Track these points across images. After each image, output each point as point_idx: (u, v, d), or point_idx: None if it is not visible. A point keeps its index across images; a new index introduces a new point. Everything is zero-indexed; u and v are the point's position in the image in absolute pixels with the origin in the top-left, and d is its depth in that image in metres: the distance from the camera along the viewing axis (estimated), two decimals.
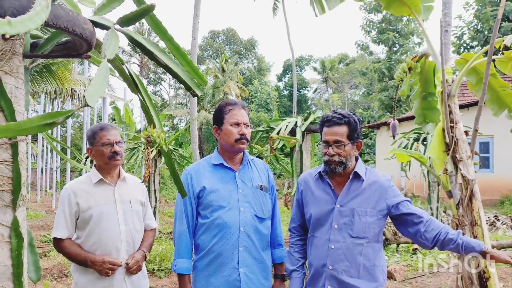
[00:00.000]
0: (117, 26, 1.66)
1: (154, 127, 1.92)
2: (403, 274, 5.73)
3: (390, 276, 5.59)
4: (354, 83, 40.01)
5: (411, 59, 2.87)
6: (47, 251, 7.17)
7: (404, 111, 22.20)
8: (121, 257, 2.47)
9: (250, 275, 2.34)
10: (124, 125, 9.32)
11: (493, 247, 5.39)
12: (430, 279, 5.71)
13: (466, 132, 2.66)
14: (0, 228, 1.52)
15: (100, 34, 1.70)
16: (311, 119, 5.53)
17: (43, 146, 17.15)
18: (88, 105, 1.27)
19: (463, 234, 2.51)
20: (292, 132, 5.48)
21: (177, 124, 36.23)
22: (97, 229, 2.44)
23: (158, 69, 40.15)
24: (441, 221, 9.72)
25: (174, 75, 1.85)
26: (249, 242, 2.35)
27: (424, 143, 8.03)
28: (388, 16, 23.95)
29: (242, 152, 2.48)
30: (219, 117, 2.44)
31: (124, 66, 1.86)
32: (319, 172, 2.34)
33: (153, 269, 5.95)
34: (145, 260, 2.58)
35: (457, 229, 2.61)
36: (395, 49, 24.88)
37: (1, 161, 1.51)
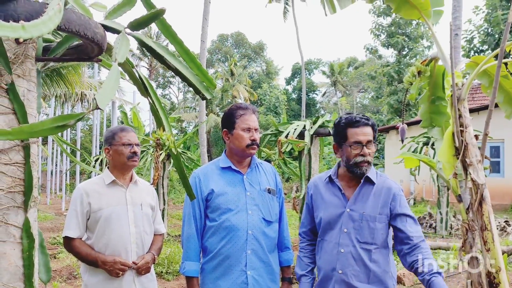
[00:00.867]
0: (128, 30, 1.68)
1: (164, 130, 1.94)
2: (412, 279, 5.69)
3: (399, 281, 5.55)
4: (363, 86, 39.90)
5: (421, 63, 2.86)
6: (56, 253, 7.23)
7: (414, 115, 22.09)
8: (131, 259, 2.48)
9: (258, 278, 2.34)
10: (133, 128, 9.37)
11: (503, 252, 5.33)
12: None
13: (476, 136, 2.64)
14: (12, 229, 1.54)
15: (111, 38, 1.72)
16: (319, 122, 5.53)
17: (53, 148, 17.32)
18: (99, 108, 1.29)
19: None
20: (301, 136, 5.48)
21: (185, 127, 36.36)
22: (108, 230, 2.46)
23: (167, 73, 40.39)
24: (451, 226, 9.64)
25: (184, 79, 1.86)
26: (256, 245, 2.35)
27: (434, 147, 7.98)
28: (397, 19, 23.87)
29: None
30: (230, 121, 2.43)
31: (134, 70, 1.88)
32: (329, 176, 2.34)
33: (161, 272, 5.96)
34: (153, 263, 2.60)
35: (467, 234, 2.59)
36: (404, 52, 24.79)
37: (14, 163, 1.54)
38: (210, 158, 24.33)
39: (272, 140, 6.26)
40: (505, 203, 14.38)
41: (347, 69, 42.20)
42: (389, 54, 28.97)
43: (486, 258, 2.44)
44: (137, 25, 1.69)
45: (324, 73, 42.50)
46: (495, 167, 15.05)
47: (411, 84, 2.91)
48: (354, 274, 2.16)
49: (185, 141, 8.20)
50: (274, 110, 31.81)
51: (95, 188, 2.54)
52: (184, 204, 2.50)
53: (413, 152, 8.08)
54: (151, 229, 2.66)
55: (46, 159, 18.50)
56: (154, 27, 31.22)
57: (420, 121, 3.06)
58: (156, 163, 2.76)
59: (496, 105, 2.71)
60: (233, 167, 2.44)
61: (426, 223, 10.46)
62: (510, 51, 2.56)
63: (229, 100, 31.99)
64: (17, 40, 1.54)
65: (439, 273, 2.01)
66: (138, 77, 1.87)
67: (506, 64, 2.60)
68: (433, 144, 7.97)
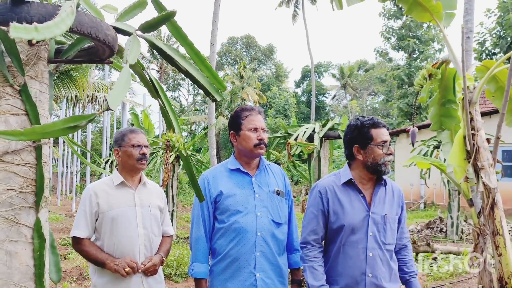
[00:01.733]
0: (139, 32, 1.69)
1: (174, 131, 1.95)
2: (422, 284, 5.64)
3: None
4: (373, 89, 39.74)
5: (432, 66, 2.84)
6: (66, 253, 7.28)
7: (424, 118, 21.92)
8: (139, 261, 2.49)
9: (267, 280, 2.34)
10: (143, 130, 9.44)
11: None
12: None
13: (488, 140, 2.61)
14: (23, 229, 1.55)
15: (122, 40, 1.73)
16: (329, 125, 5.51)
17: (63, 150, 17.48)
18: (110, 109, 1.30)
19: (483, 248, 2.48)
20: (310, 138, 5.47)
21: (195, 130, 36.49)
22: (116, 231, 2.47)
23: (177, 75, 40.60)
24: (462, 230, 9.54)
25: (194, 80, 1.87)
26: (265, 247, 2.35)
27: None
28: (408, 22, 23.72)
29: (259, 157, 2.49)
30: (236, 123, 2.45)
31: (144, 71, 1.89)
32: (349, 179, 2.29)
33: (170, 274, 5.98)
34: (162, 264, 2.60)
35: (478, 239, 2.57)
36: (415, 55, 24.63)
37: (26, 163, 1.55)
38: (219, 160, 24.39)
39: (281, 142, 6.25)
40: None
41: (357, 72, 42.05)
42: (400, 57, 28.84)
43: (497, 263, 2.41)
44: (148, 27, 1.70)
45: (334, 76, 42.41)
46: (507, 171, 14.87)
47: (422, 87, 2.89)
48: (382, 276, 2.22)
49: (194, 143, 8.24)
50: (283, 113, 31.80)
51: (104, 189, 2.55)
52: (193, 206, 2.51)
53: (424, 155, 8.02)
54: (159, 230, 2.66)
55: (57, 160, 18.69)
56: (164, 30, 31.47)
57: (430, 124, 3.03)
58: (166, 165, 2.78)
59: None
60: (242, 169, 2.44)
61: (437, 227, 10.36)
62: None
63: (238, 103, 32.07)
64: (30, 42, 1.56)
65: (416, 274, 2.37)
66: (148, 79, 1.88)
67: None
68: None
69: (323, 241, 2.38)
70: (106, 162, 9.93)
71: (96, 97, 12.98)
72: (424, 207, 16.70)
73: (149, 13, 1.80)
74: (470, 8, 3.04)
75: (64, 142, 15.44)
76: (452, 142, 2.77)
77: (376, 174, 2.26)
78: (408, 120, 23.71)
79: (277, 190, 2.46)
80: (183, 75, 1.97)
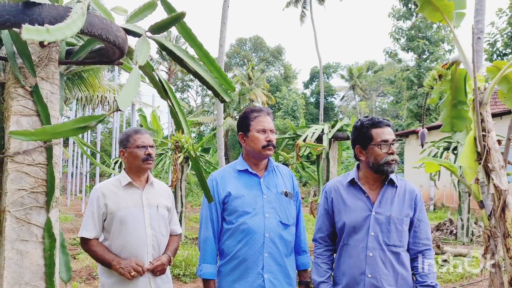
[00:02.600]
0: (149, 34, 1.70)
1: (183, 132, 1.95)
2: None
3: None
4: (382, 91, 39.54)
5: (442, 66, 2.82)
6: (76, 253, 7.33)
7: (434, 120, 21.77)
8: (147, 261, 2.49)
9: (275, 281, 2.33)
10: (151, 131, 9.49)
11: None
12: None
13: (499, 141, 2.59)
14: (34, 228, 1.57)
15: (132, 41, 1.74)
16: (338, 126, 5.49)
17: (73, 151, 17.63)
18: (120, 110, 1.31)
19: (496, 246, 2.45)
20: (319, 140, 5.45)
21: (203, 131, 36.59)
22: (124, 232, 2.48)
23: (186, 77, 40.73)
24: (472, 232, 9.45)
25: (203, 81, 1.87)
26: (273, 248, 2.35)
27: (455, 152, 7.84)
28: (417, 23, 23.57)
29: (267, 158, 2.49)
30: (244, 124, 2.45)
31: (154, 73, 1.90)
32: (352, 179, 2.32)
33: (179, 274, 6.00)
34: (169, 264, 2.61)
35: (489, 241, 2.55)
36: (424, 56, 24.44)
37: (37, 164, 1.57)
38: (227, 161, 24.43)
39: (290, 143, 6.24)
40: None
41: (366, 73, 41.87)
42: (409, 58, 28.64)
43: (509, 266, 2.38)
44: (157, 28, 1.71)
45: (342, 77, 42.27)
46: None
47: (432, 88, 2.87)
48: (384, 278, 2.18)
49: (203, 144, 8.25)
50: (292, 114, 31.77)
51: (112, 189, 2.56)
52: (201, 207, 2.51)
53: (433, 157, 7.97)
54: (167, 230, 2.67)
55: (67, 161, 18.84)
56: (173, 31, 31.63)
57: (441, 126, 3.01)
58: (175, 165, 2.79)
59: None
60: (250, 170, 2.44)
61: (447, 229, 10.28)
62: None
63: (247, 104, 32.09)
64: (41, 43, 1.57)
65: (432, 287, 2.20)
66: (158, 80, 1.89)
67: None
68: (454, 149, 7.83)
69: (333, 240, 2.41)
70: (116, 163, 9.98)
71: (106, 98, 13.06)
72: (434, 209, 16.56)
73: (159, 14, 1.82)
74: (481, 9, 3.01)
75: (74, 142, 15.55)
76: None
77: (380, 174, 2.25)
78: (417, 121, 23.55)
79: (285, 192, 2.46)
80: (192, 76, 1.97)
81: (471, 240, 9.35)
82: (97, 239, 2.53)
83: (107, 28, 1.52)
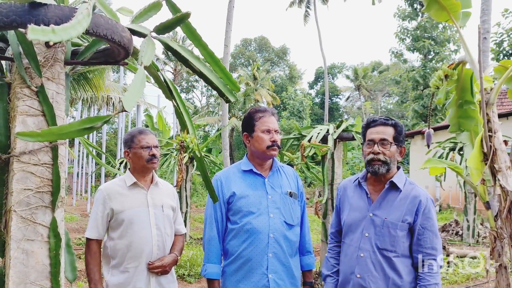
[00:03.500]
0: (154, 34, 1.70)
1: (188, 132, 1.96)
2: None
3: None
4: (388, 91, 39.41)
5: (448, 66, 2.81)
6: (81, 253, 7.36)
7: (440, 120, 21.66)
8: (152, 261, 2.50)
9: (279, 281, 2.33)
10: (157, 131, 9.51)
11: None
12: None
13: (506, 142, 2.57)
14: (40, 228, 1.57)
15: (137, 41, 1.74)
16: (343, 126, 5.47)
17: (79, 151, 17.69)
18: (125, 110, 1.31)
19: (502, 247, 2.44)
20: (324, 140, 5.43)
21: (208, 131, 36.62)
22: (129, 232, 2.49)
23: (191, 77, 40.80)
24: (478, 233, 9.40)
25: (208, 82, 1.87)
26: (278, 248, 2.35)
27: (461, 152, 7.80)
28: (423, 23, 23.47)
29: (272, 158, 2.48)
30: (249, 124, 2.45)
31: (159, 73, 1.90)
32: (358, 179, 2.34)
33: (183, 274, 6.01)
34: (176, 263, 2.61)
35: (495, 242, 2.53)
36: (430, 56, 24.33)
37: (42, 164, 1.58)
38: (232, 161, 24.44)
39: (294, 144, 6.22)
40: None
41: (371, 73, 41.75)
42: (415, 58, 28.50)
43: None
44: (162, 28, 1.71)
45: (347, 77, 42.18)
46: None
47: (438, 88, 2.85)
48: (372, 280, 2.14)
49: (207, 144, 8.26)
50: (297, 115, 31.73)
51: (117, 190, 2.57)
52: (206, 207, 2.52)
53: (439, 157, 7.92)
54: (172, 230, 2.67)
55: (73, 161, 18.93)
56: (179, 32, 31.69)
57: (447, 126, 2.99)
58: (180, 165, 2.79)
59: None
60: (255, 170, 2.44)
61: (452, 230, 10.23)
62: None
63: (252, 104, 32.10)
64: (47, 44, 1.58)
65: None
66: (163, 80, 1.90)
67: None
68: (460, 150, 7.79)
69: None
70: (121, 163, 10.01)
71: (111, 98, 13.11)
72: (440, 210, 16.48)
73: (164, 15, 1.82)
74: (487, 9, 3.00)
75: (79, 143, 15.62)
76: (472, 143, 2.73)
77: (371, 174, 2.25)
78: (422, 122, 23.46)
79: (290, 192, 2.46)
80: (197, 77, 1.98)
81: (477, 241, 9.30)
82: (100, 240, 2.54)
83: (113, 29, 1.52)
